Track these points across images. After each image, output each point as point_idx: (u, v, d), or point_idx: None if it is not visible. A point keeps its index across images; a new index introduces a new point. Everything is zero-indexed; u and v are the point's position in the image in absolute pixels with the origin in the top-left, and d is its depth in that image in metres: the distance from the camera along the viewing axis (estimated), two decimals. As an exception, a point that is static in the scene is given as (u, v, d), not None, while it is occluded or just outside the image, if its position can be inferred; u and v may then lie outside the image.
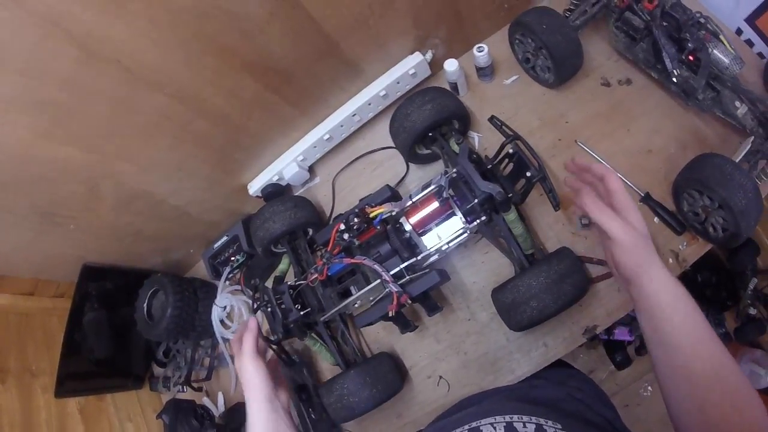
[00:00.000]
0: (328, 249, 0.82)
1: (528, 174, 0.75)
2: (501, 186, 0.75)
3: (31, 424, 0.92)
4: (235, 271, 1.06)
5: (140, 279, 1.06)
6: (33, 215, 0.85)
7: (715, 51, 0.77)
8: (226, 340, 1.03)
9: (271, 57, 0.81)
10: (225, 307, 1.04)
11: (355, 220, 0.78)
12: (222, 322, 1.04)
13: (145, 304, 1.03)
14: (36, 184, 0.80)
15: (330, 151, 1.06)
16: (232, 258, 1.06)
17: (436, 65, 1.00)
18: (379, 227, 0.79)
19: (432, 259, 0.80)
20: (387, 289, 0.75)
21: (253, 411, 0.66)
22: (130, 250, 1.05)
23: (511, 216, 0.79)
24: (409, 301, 0.76)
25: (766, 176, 0.76)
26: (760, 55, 0.90)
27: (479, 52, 0.93)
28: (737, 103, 0.79)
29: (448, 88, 0.98)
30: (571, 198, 0.71)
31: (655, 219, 0.84)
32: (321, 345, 0.92)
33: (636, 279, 0.59)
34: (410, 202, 0.80)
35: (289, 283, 0.88)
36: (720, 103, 0.81)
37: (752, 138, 0.77)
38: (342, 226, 0.80)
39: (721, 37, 0.78)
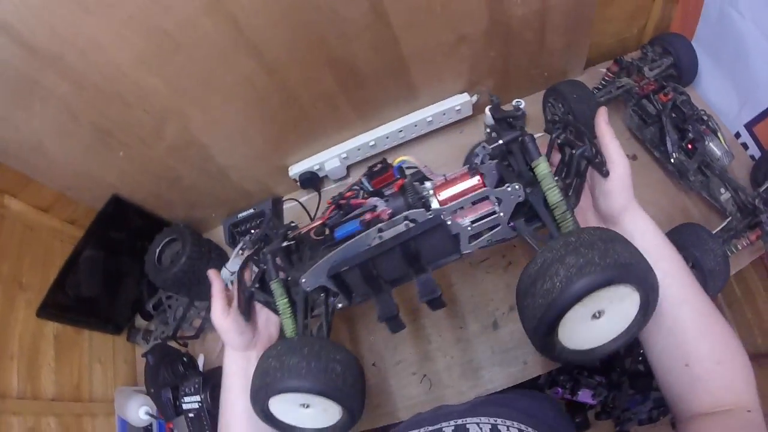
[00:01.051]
0: (346, 195, 0.70)
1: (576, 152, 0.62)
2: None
3: (6, 335, 0.90)
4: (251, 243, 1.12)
5: (156, 227, 1.09)
6: (92, 129, 0.87)
7: (710, 144, 0.93)
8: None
9: (354, 61, 0.93)
10: (234, 273, 1.09)
11: (378, 163, 0.69)
12: (228, 286, 1.08)
13: (158, 249, 1.06)
14: (112, 101, 0.83)
15: (370, 157, 1.17)
16: (252, 231, 1.12)
17: (478, 109, 1.15)
18: (398, 175, 0.68)
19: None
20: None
21: (227, 362, 0.70)
22: (161, 194, 1.09)
23: (543, 168, 0.60)
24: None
25: (736, 249, 0.90)
26: (752, 157, 1.05)
27: (517, 105, 1.08)
28: (722, 190, 0.94)
29: (483, 131, 1.13)
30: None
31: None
32: (287, 309, 0.68)
33: (625, 216, 0.60)
34: (442, 177, 0.67)
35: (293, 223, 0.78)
36: (707, 187, 0.96)
37: (729, 218, 0.92)
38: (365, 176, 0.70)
39: (719, 134, 0.94)
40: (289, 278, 0.70)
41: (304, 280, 0.65)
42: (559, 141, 0.66)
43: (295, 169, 1.13)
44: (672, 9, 1.18)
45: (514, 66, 1.08)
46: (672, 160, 0.98)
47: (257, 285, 0.72)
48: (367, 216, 0.66)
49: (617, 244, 0.49)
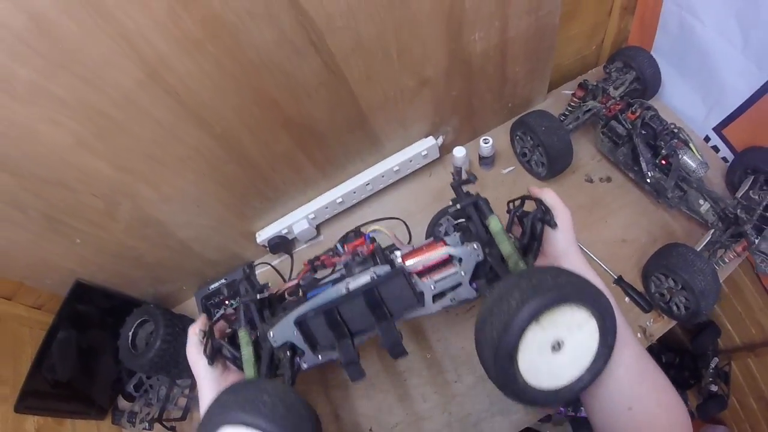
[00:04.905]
0: (321, 258, 0.74)
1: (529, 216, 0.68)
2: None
3: (-16, 435, 0.84)
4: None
5: (126, 306, 1.03)
6: (41, 219, 0.83)
7: (684, 157, 0.91)
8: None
9: (310, 120, 0.89)
10: (210, 349, 1.03)
11: (351, 234, 0.74)
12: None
13: (131, 333, 0.99)
14: (57, 188, 0.79)
15: (339, 213, 1.13)
16: (226, 302, 1.07)
17: (444, 149, 1.12)
18: (368, 242, 0.72)
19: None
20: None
21: (202, 394, 0.69)
22: (125, 274, 1.04)
23: (495, 225, 0.67)
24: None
25: (724, 263, 0.88)
26: (725, 159, 1.07)
27: (485, 143, 1.06)
28: (701, 201, 0.94)
29: (452, 171, 1.11)
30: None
31: (626, 299, 0.95)
32: (251, 358, 0.69)
33: (566, 256, 0.65)
34: (411, 247, 0.71)
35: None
36: (686, 201, 0.95)
37: (713, 231, 0.91)
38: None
39: (691, 144, 0.93)
40: (258, 333, 0.71)
41: (272, 334, 0.67)
42: (517, 214, 0.71)
43: (263, 235, 1.08)
44: (628, 22, 1.19)
45: (477, 101, 1.06)
46: (648, 180, 0.97)
47: (226, 339, 0.73)
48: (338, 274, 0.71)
49: (568, 273, 0.51)
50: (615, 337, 0.51)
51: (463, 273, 0.66)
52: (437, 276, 0.67)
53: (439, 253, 0.67)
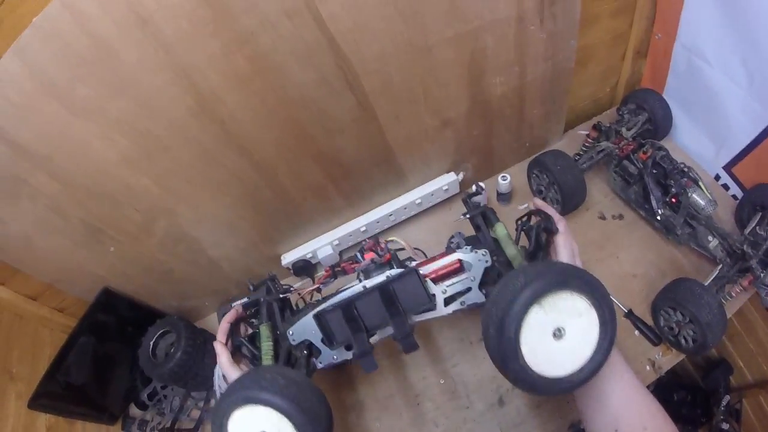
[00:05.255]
0: (342, 264, 0.79)
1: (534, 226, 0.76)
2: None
3: (-3, 428, 0.86)
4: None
5: (148, 317, 1.06)
6: (82, 226, 0.87)
7: (694, 195, 0.95)
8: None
9: (340, 153, 0.96)
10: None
11: (368, 240, 0.79)
12: (224, 377, 1.06)
13: (152, 342, 1.02)
14: (100, 200, 0.84)
15: (361, 241, 1.16)
16: (247, 320, 1.12)
17: (464, 185, 1.17)
18: (385, 251, 0.76)
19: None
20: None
21: None
22: (152, 286, 1.08)
23: (500, 231, 0.77)
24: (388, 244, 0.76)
25: (731, 297, 0.91)
26: (734, 197, 1.09)
27: (503, 180, 1.11)
28: (710, 238, 0.96)
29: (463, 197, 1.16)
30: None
31: (636, 332, 0.97)
32: (269, 351, 0.74)
33: (571, 259, 0.71)
34: (424, 257, 0.79)
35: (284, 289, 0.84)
36: (695, 238, 0.98)
37: (720, 266, 0.94)
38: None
39: (700, 183, 0.95)
40: (279, 332, 0.75)
41: (291, 333, 0.72)
42: (524, 228, 0.78)
43: (288, 258, 1.13)
44: (641, 65, 1.24)
45: (496, 141, 1.11)
46: (658, 217, 1.00)
47: (246, 338, 0.78)
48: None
49: (572, 266, 0.57)
50: (615, 330, 0.55)
51: (472, 278, 0.71)
52: (448, 281, 0.72)
53: (449, 259, 0.72)
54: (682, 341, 0.91)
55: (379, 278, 0.70)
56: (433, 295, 0.71)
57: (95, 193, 0.83)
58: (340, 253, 1.18)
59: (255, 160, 0.89)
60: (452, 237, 0.84)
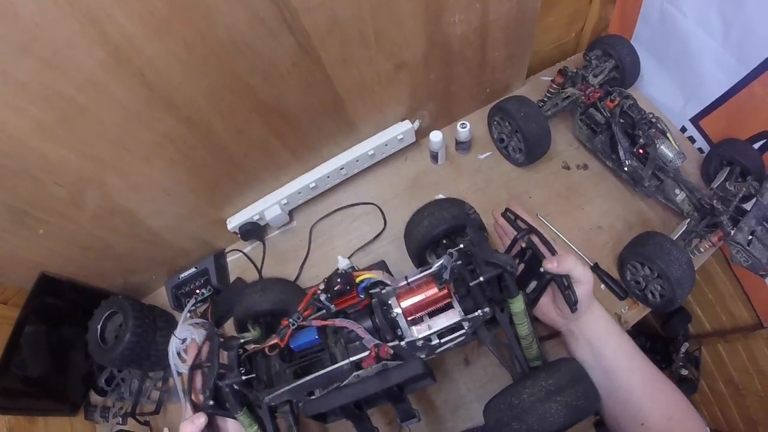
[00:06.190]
0: (299, 309, 0.69)
1: (542, 270, 0.65)
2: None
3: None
4: (199, 305, 1.04)
5: (94, 298, 1.00)
6: (4, 210, 0.80)
7: (661, 147, 0.91)
8: (180, 374, 0.98)
9: (283, 103, 0.87)
10: (184, 340, 0.99)
11: (338, 280, 0.66)
12: (179, 354, 0.99)
13: (99, 326, 0.96)
14: (19, 178, 0.75)
15: (312, 198, 1.11)
16: (198, 291, 1.05)
17: (420, 134, 1.10)
18: (362, 296, 0.67)
19: (419, 353, 0.67)
20: (361, 354, 0.63)
21: None
22: (92, 265, 1.00)
23: (518, 306, 0.65)
24: (390, 357, 0.63)
25: (699, 252, 0.89)
26: (700, 150, 1.08)
27: (462, 128, 1.05)
28: (677, 191, 0.94)
29: (429, 156, 1.09)
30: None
31: (602, 286, 0.95)
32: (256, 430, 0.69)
33: (585, 314, 0.68)
34: (405, 282, 0.67)
35: (242, 340, 0.74)
36: (662, 191, 0.95)
37: (688, 220, 0.92)
38: (321, 286, 0.67)
39: (668, 135, 0.92)
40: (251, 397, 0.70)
41: (268, 400, 0.67)
42: (523, 245, 0.71)
43: (234, 222, 1.05)
44: (609, 11, 1.18)
45: (455, 86, 1.04)
46: (625, 168, 0.97)
47: (212, 402, 0.67)
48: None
49: (580, 384, 0.58)
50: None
51: (468, 331, 0.66)
52: (437, 325, 0.66)
53: (435, 294, 0.67)
54: (649, 296, 0.89)
55: (375, 368, 0.63)
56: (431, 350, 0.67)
57: (11, 171, 0.74)
58: (290, 213, 1.12)
59: (185, 116, 0.79)
60: (436, 253, 0.81)
